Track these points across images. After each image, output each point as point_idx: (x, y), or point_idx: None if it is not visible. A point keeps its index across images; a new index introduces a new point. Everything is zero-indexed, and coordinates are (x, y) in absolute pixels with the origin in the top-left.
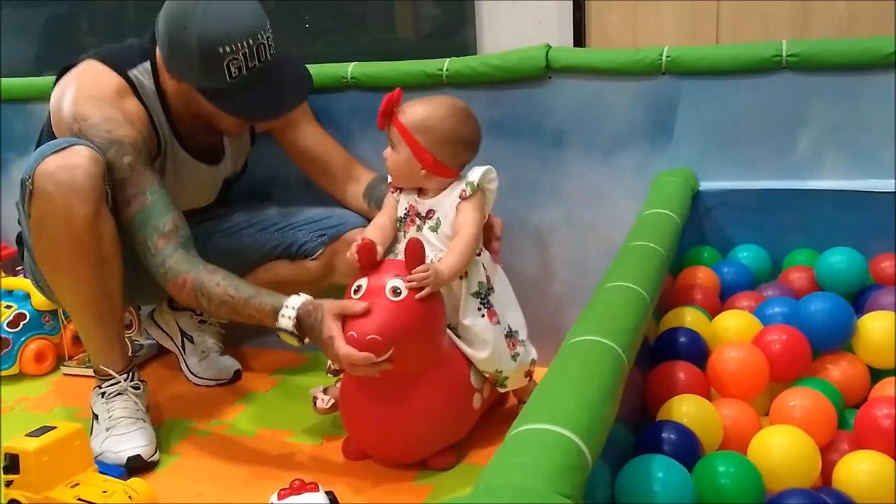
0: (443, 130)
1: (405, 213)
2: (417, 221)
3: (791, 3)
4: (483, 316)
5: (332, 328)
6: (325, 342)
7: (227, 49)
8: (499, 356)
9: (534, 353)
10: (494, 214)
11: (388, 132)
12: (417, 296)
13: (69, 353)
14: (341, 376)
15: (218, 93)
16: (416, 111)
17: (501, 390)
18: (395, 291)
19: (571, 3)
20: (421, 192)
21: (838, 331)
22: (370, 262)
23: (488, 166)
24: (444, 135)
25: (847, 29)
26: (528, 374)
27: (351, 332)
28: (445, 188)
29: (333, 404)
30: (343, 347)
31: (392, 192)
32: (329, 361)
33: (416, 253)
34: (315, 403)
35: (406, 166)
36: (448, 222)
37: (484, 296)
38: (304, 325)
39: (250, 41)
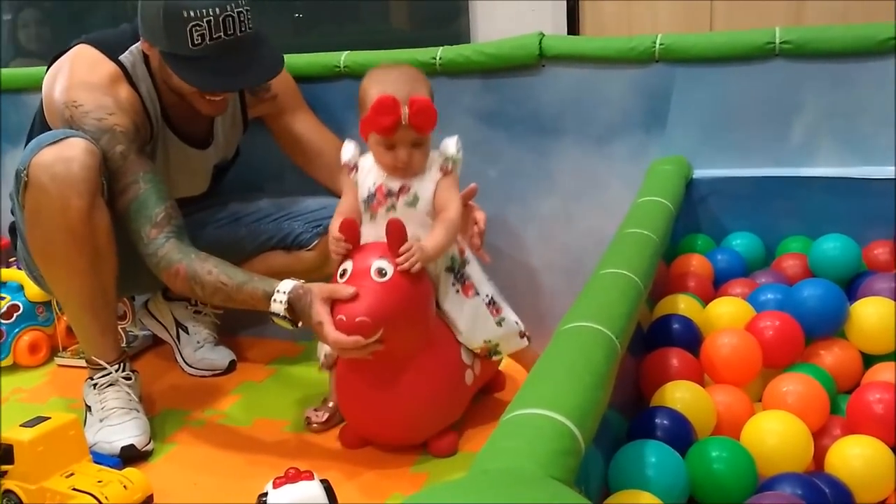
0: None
1: (371, 194)
2: (388, 201)
3: None
4: (458, 292)
5: (321, 313)
6: (314, 328)
7: (192, 14)
8: (481, 327)
9: (517, 318)
10: (478, 206)
11: (407, 134)
12: (411, 270)
13: (63, 344)
14: (333, 372)
15: (180, 59)
16: (425, 100)
17: (496, 358)
18: (381, 272)
19: None
20: None
21: (831, 317)
22: (354, 239)
23: (455, 136)
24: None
25: (842, 16)
26: (523, 335)
27: (340, 316)
28: None
29: (328, 418)
30: (332, 333)
31: (349, 174)
32: (321, 357)
33: (397, 232)
34: (309, 424)
35: (427, 157)
36: (427, 197)
37: (457, 270)
38: (296, 308)
39: (217, 10)
